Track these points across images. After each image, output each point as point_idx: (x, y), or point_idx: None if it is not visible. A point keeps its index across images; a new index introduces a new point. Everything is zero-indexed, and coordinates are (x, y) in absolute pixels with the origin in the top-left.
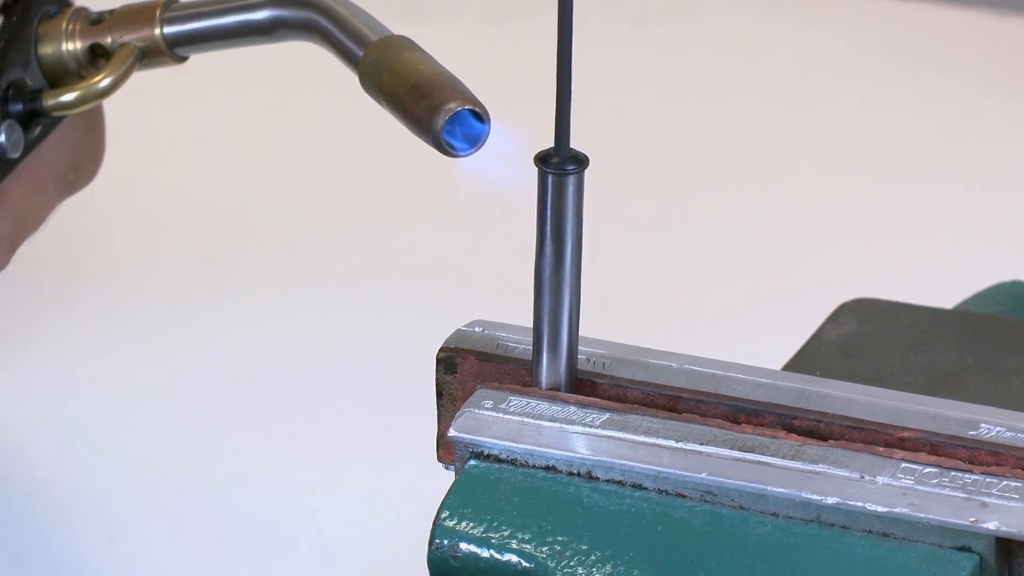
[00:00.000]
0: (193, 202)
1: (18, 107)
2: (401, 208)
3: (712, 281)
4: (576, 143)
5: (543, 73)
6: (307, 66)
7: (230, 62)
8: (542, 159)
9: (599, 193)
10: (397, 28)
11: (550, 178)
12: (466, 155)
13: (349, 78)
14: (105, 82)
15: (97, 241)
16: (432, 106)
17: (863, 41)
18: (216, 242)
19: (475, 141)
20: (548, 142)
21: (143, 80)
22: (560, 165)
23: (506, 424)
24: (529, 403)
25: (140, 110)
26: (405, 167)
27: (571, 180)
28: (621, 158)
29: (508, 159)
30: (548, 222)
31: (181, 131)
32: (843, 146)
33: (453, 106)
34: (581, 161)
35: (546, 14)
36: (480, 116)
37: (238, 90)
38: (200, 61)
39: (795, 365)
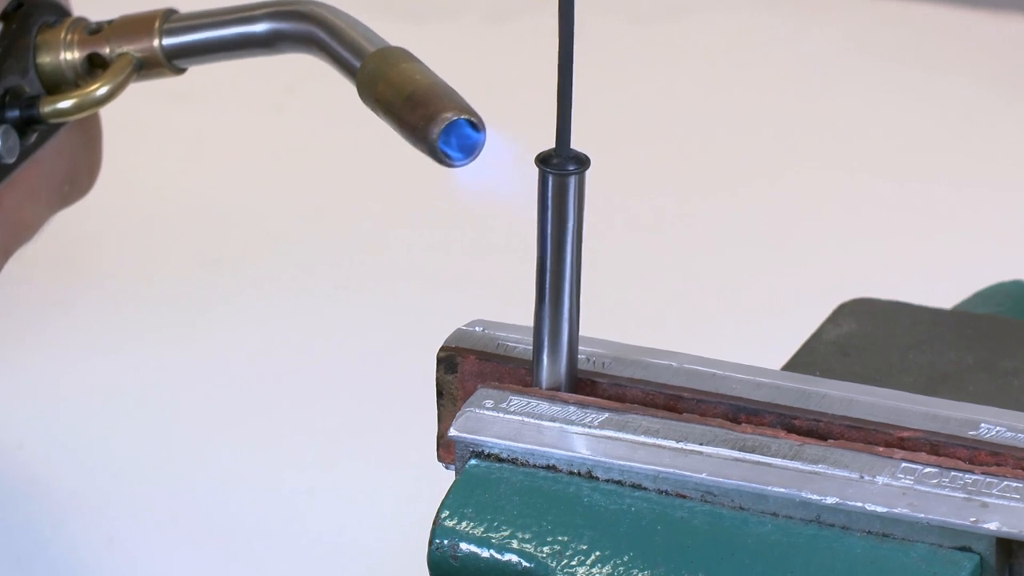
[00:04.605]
0: (192, 202)
1: (15, 113)
2: (401, 208)
3: (712, 281)
4: (577, 143)
5: (543, 73)
6: (307, 66)
7: (230, 62)
8: (543, 160)
9: (600, 193)
10: (397, 28)
11: (551, 178)
12: (462, 164)
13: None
14: (102, 90)
15: (96, 241)
16: (428, 115)
17: (863, 41)
18: (215, 242)
19: (471, 151)
20: (549, 142)
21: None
22: (561, 166)
23: (506, 424)
24: (529, 403)
25: (139, 110)
26: (405, 167)
27: (572, 180)
28: (622, 158)
29: (503, 168)
30: (549, 222)
31: (180, 131)
32: (843, 146)
33: (449, 115)
34: (582, 162)
35: (546, 14)
36: (476, 125)
37: (238, 90)
38: None
39: (795, 365)
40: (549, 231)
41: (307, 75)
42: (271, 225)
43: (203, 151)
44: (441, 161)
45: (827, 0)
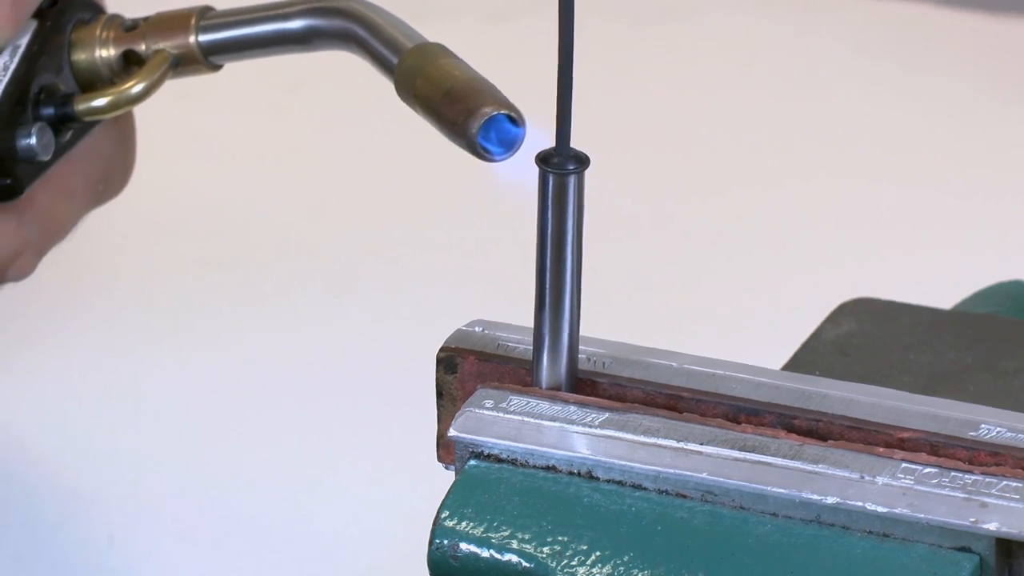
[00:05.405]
0: (194, 202)
1: (49, 111)
2: (402, 208)
3: (712, 281)
4: (577, 143)
5: (543, 73)
6: (309, 65)
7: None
8: (543, 159)
9: (600, 193)
10: None
11: (551, 178)
12: (501, 159)
13: (350, 78)
14: (137, 88)
15: (97, 240)
16: (467, 110)
17: (863, 41)
18: (216, 242)
19: (510, 145)
20: (548, 142)
21: None
22: (561, 165)
23: (506, 424)
24: (529, 403)
25: (141, 108)
26: (406, 167)
27: (572, 180)
28: (622, 158)
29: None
30: (549, 222)
31: (182, 130)
32: (843, 146)
33: (488, 110)
34: (582, 161)
35: (546, 14)
36: (515, 120)
37: (239, 89)
38: None
39: (795, 365)
40: (549, 230)
41: (309, 74)
42: (272, 225)
43: (204, 150)
44: (480, 156)
45: (828, 1)
